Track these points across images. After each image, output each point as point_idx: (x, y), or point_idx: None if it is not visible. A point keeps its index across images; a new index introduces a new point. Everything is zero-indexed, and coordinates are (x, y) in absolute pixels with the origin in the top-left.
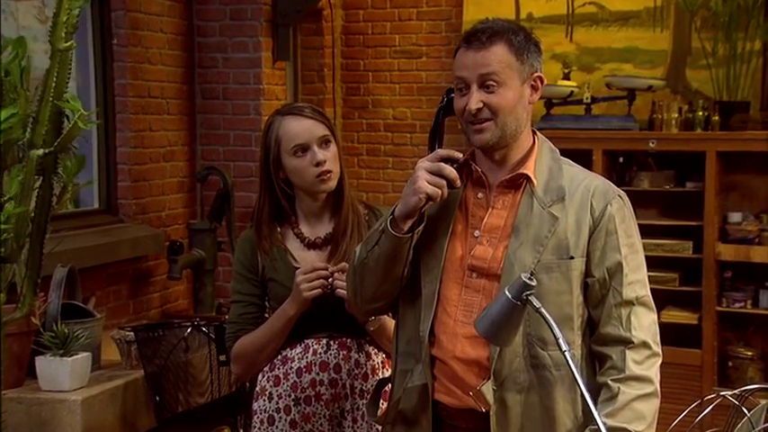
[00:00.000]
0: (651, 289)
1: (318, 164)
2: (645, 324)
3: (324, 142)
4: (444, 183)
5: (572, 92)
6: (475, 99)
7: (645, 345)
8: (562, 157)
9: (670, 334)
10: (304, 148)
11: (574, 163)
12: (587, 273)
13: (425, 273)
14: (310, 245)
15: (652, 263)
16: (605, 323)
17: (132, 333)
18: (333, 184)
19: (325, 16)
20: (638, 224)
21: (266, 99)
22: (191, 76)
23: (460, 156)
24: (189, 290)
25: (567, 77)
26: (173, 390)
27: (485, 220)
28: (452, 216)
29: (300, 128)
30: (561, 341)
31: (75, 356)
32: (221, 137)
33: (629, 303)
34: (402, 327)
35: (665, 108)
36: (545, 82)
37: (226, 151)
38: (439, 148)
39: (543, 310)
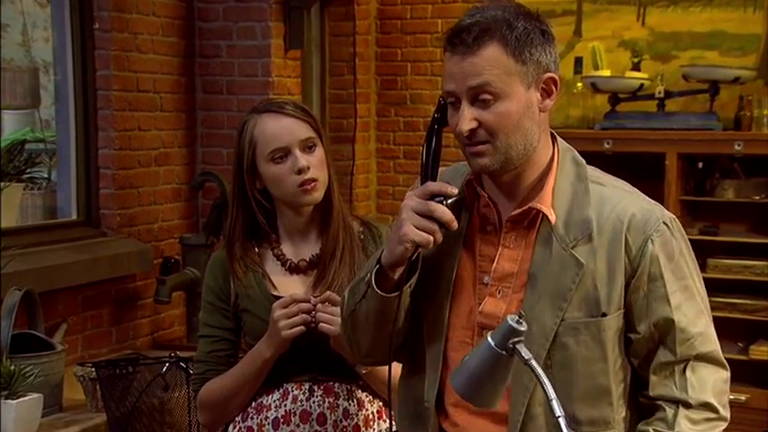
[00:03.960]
0: (737, 320)
1: (300, 171)
2: (708, 382)
3: (308, 146)
4: (436, 227)
5: (642, 85)
6: (466, 118)
7: (707, 406)
8: (591, 169)
9: (760, 373)
10: (284, 153)
11: (604, 175)
12: (628, 328)
13: (428, 328)
14: (293, 268)
15: (738, 288)
16: (655, 385)
17: (94, 370)
18: (318, 195)
19: None
20: (721, 242)
21: (276, 94)
22: (189, 67)
23: (456, 191)
24: (185, 314)
25: (636, 68)
26: None
27: (495, 262)
28: (456, 257)
29: (279, 128)
30: (555, 404)
31: (21, 398)
32: (225, 137)
33: (685, 360)
34: (407, 385)
35: (756, 104)
36: (560, 83)
37: (230, 154)
38: (434, 171)
39: (534, 364)
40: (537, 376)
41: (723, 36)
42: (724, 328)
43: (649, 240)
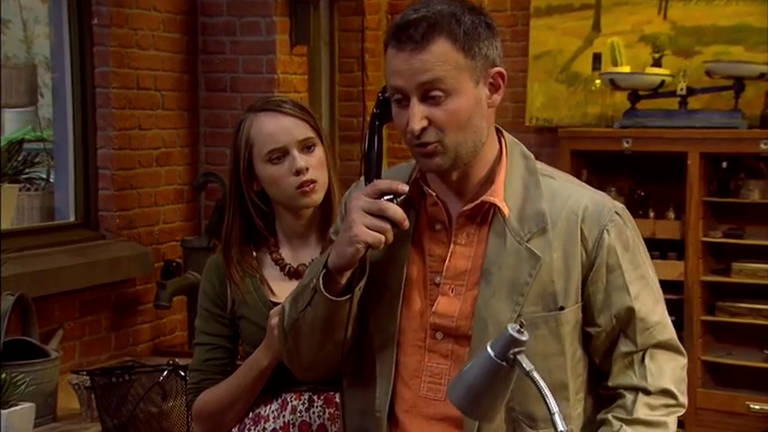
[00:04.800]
0: (762, 327)
1: (299, 172)
2: (667, 369)
3: (306, 146)
4: (388, 227)
5: (663, 81)
6: (417, 116)
7: (666, 393)
8: (540, 164)
9: None
10: (281, 154)
11: (553, 169)
12: (587, 321)
13: (377, 333)
14: (292, 274)
15: (764, 293)
16: (616, 375)
17: (89, 378)
18: (317, 197)
19: None
20: (746, 245)
21: (281, 91)
22: (191, 64)
23: (406, 188)
24: (187, 320)
25: (657, 64)
26: None
27: (447, 261)
28: (405, 258)
29: (277, 127)
30: (557, 418)
31: (13, 408)
32: (228, 136)
33: (644, 349)
34: (353, 396)
35: None
36: (506, 77)
37: None
38: (377, 170)
39: (536, 375)
40: (539, 389)
41: (749, 30)
42: (748, 335)
43: (605, 231)
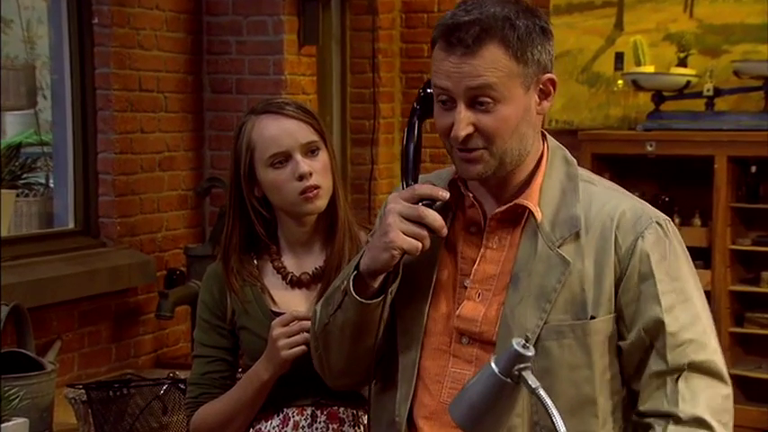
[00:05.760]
0: None
1: (302, 177)
2: (701, 396)
3: (310, 150)
4: (426, 233)
5: (689, 82)
6: (463, 122)
7: (699, 422)
8: (582, 171)
9: None
10: (284, 158)
11: (596, 176)
12: (619, 334)
13: (402, 336)
14: (294, 282)
15: None
16: (646, 399)
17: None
18: (322, 203)
19: None
20: None
21: (289, 93)
22: (196, 65)
23: (447, 195)
24: (191, 330)
25: (683, 63)
26: None
27: (476, 264)
28: (436, 260)
29: (279, 130)
30: None
31: (6, 423)
32: None
33: (678, 370)
34: (378, 406)
35: None
36: (557, 84)
37: None
38: (415, 169)
39: (542, 392)
40: (546, 407)
41: None
42: None
43: (640, 238)
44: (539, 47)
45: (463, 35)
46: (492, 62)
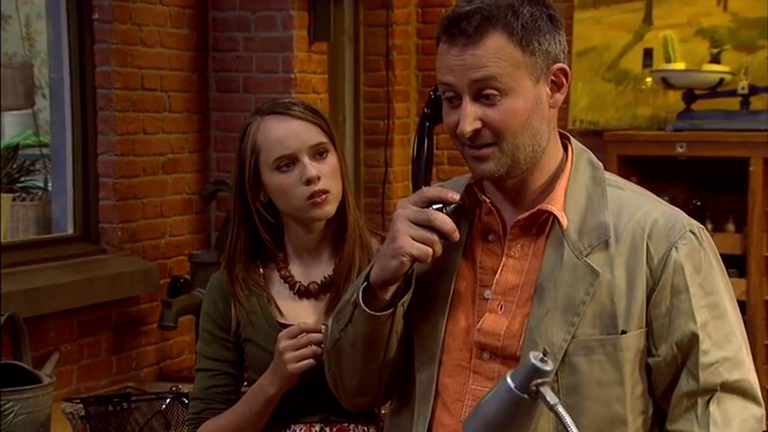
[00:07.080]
0: None
1: (309, 181)
2: (735, 419)
3: (318, 152)
4: (436, 238)
5: (722, 79)
6: (469, 117)
7: None
8: (609, 174)
9: None
10: (290, 161)
11: (624, 180)
12: (648, 350)
13: (420, 351)
14: (302, 292)
15: None
16: (675, 419)
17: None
18: (330, 208)
19: None
20: None
21: (299, 92)
22: (201, 63)
23: (457, 197)
24: (195, 341)
25: (716, 60)
26: None
27: (498, 274)
28: (454, 270)
29: (285, 132)
30: None
31: None
32: None
33: (710, 391)
34: (393, 425)
35: None
36: (570, 75)
37: None
38: (426, 175)
39: (561, 410)
40: (565, 425)
41: None
42: None
43: (673, 248)
44: (547, 35)
45: (465, 25)
46: (495, 51)
